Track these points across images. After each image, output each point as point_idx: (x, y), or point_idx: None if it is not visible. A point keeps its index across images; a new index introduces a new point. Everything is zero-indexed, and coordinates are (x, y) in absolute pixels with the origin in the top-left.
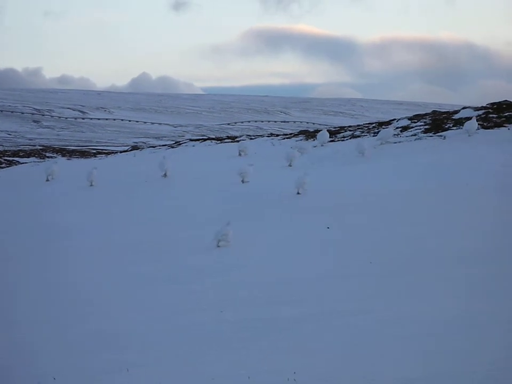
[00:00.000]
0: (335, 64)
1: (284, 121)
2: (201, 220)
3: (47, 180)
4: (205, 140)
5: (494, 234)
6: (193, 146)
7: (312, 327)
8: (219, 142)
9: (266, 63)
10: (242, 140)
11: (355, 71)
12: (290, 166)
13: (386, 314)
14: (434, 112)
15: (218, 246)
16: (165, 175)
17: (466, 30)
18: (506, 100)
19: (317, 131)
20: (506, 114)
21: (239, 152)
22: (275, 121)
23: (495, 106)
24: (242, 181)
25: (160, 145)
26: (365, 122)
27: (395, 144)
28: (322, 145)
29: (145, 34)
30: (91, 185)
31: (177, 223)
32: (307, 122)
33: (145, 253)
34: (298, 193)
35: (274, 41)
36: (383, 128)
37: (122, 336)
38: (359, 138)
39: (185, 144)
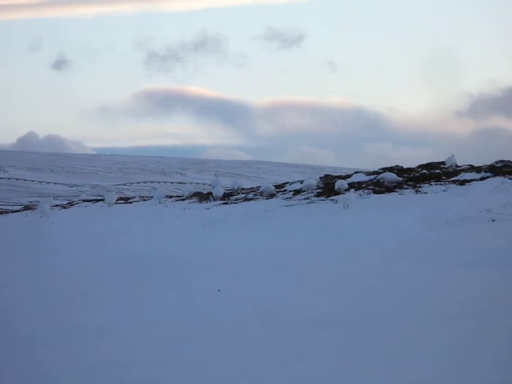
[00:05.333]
0: (227, 127)
1: (181, 183)
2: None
3: None
4: (97, 200)
5: (379, 297)
6: (86, 207)
7: None
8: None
9: (158, 124)
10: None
11: (247, 134)
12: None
13: (272, 378)
14: (327, 176)
15: (344, 208)
16: None
17: (354, 95)
18: (397, 165)
19: (210, 193)
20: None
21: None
22: (171, 182)
23: (386, 171)
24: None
25: (53, 205)
26: (258, 185)
27: (287, 207)
28: (208, 208)
29: (28, 93)
30: None
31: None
32: (203, 184)
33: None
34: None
35: (165, 103)
36: (276, 191)
37: None
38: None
39: (78, 204)
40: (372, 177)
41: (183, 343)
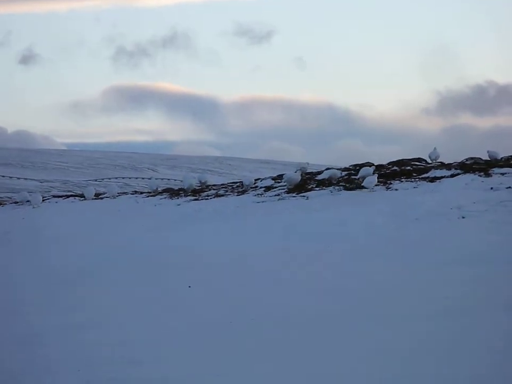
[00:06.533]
0: (198, 123)
1: (151, 178)
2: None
3: None
4: (68, 196)
5: (349, 295)
6: (56, 202)
7: None
8: (83, 198)
9: (129, 120)
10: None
11: (217, 130)
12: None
13: (243, 377)
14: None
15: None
16: None
17: (325, 91)
18: (368, 162)
19: (181, 189)
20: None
21: None
22: (143, 178)
23: (357, 168)
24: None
25: (26, 201)
26: (229, 182)
27: (258, 204)
28: (179, 205)
29: None
30: None
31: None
32: (175, 180)
33: None
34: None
35: (136, 99)
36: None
37: None
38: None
39: (48, 200)
40: (344, 173)
41: (154, 340)
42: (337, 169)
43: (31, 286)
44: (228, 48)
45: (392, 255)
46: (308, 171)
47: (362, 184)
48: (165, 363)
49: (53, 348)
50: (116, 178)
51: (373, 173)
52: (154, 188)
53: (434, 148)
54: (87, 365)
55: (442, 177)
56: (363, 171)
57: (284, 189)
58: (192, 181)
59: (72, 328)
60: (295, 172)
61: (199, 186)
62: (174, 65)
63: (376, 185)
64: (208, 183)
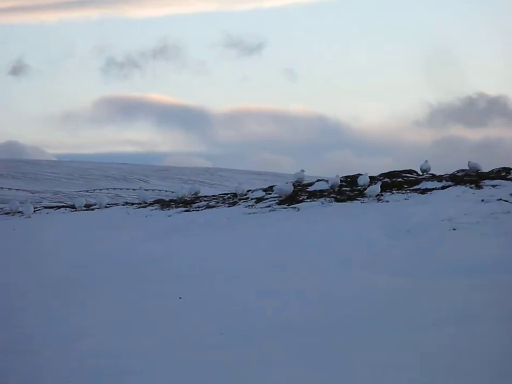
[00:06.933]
0: (188, 134)
1: (141, 189)
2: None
3: None
4: (59, 207)
5: (340, 306)
6: (47, 213)
7: None
8: (74, 210)
9: (120, 131)
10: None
11: (208, 140)
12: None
13: None
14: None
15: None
16: None
17: (316, 103)
18: (359, 174)
19: (173, 200)
20: (359, 187)
21: None
22: (134, 189)
23: (348, 179)
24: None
25: (17, 211)
26: (220, 193)
27: (249, 215)
28: (170, 216)
29: None
30: None
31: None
32: (166, 191)
33: None
34: None
35: (126, 110)
36: (238, 199)
37: None
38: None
39: (39, 211)
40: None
41: (149, 350)
42: (327, 181)
43: (24, 295)
44: (218, 60)
45: (384, 266)
46: (304, 181)
47: (365, 192)
48: (161, 373)
49: (43, 357)
50: (107, 189)
51: (369, 181)
52: (144, 199)
53: (426, 160)
54: (78, 375)
55: (433, 189)
56: (361, 179)
57: (275, 200)
58: (184, 191)
59: (64, 338)
60: (286, 184)
61: (190, 197)
62: (164, 76)
63: (367, 196)
64: (199, 194)
